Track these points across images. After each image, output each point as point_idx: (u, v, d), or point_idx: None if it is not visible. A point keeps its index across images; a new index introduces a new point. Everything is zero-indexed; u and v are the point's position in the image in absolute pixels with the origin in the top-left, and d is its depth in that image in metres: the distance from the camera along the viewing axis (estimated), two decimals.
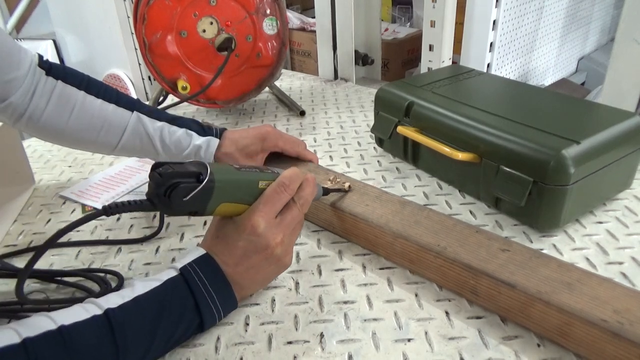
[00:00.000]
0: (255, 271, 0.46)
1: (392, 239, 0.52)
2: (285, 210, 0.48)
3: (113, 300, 0.40)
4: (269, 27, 0.90)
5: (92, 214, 0.40)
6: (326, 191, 0.57)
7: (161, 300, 0.42)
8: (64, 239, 0.61)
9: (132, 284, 0.42)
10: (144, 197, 0.42)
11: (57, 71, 0.58)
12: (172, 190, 0.40)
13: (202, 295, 0.44)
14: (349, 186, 0.60)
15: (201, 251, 0.46)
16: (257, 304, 0.50)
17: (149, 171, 0.42)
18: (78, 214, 0.68)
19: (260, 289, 0.51)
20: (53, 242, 0.39)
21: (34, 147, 0.91)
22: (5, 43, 0.53)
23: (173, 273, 0.44)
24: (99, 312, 0.38)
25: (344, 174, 0.65)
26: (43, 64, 0.57)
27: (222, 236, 0.47)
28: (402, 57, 1.63)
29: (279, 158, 0.70)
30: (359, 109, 1.00)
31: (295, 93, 1.12)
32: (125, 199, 0.70)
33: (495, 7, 1.05)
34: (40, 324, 0.36)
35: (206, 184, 0.42)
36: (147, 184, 0.42)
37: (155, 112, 0.63)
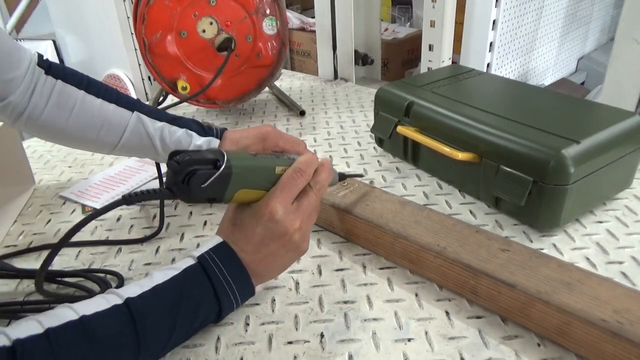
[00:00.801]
0: (273, 259, 0.46)
1: (392, 239, 0.52)
2: (302, 195, 0.47)
3: (133, 289, 0.40)
4: (268, 27, 0.90)
5: (113, 204, 0.40)
6: (342, 176, 0.56)
7: (180, 289, 0.42)
8: None
9: (151, 273, 0.43)
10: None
11: (57, 70, 0.58)
12: (191, 177, 0.41)
13: (220, 284, 0.44)
14: (364, 170, 0.60)
15: (218, 239, 0.46)
16: (257, 304, 0.50)
17: (167, 159, 0.42)
18: (78, 215, 0.68)
19: (277, 276, 0.50)
20: (69, 238, 0.39)
21: (34, 148, 0.91)
22: (5, 43, 0.53)
23: (191, 262, 0.44)
24: (119, 301, 0.39)
25: None
26: (42, 63, 0.57)
27: (240, 223, 0.46)
28: (402, 57, 1.64)
29: None
30: (359, 109, 1.00)
31: (295, 93, 1.12)
32: None
33: (495, 6, 1.05)
34: (62, 314, 0.36)
35: (224, 170, 0.42)
36: (146, 184, 0.43)
37: (156, 112, 0.63)
